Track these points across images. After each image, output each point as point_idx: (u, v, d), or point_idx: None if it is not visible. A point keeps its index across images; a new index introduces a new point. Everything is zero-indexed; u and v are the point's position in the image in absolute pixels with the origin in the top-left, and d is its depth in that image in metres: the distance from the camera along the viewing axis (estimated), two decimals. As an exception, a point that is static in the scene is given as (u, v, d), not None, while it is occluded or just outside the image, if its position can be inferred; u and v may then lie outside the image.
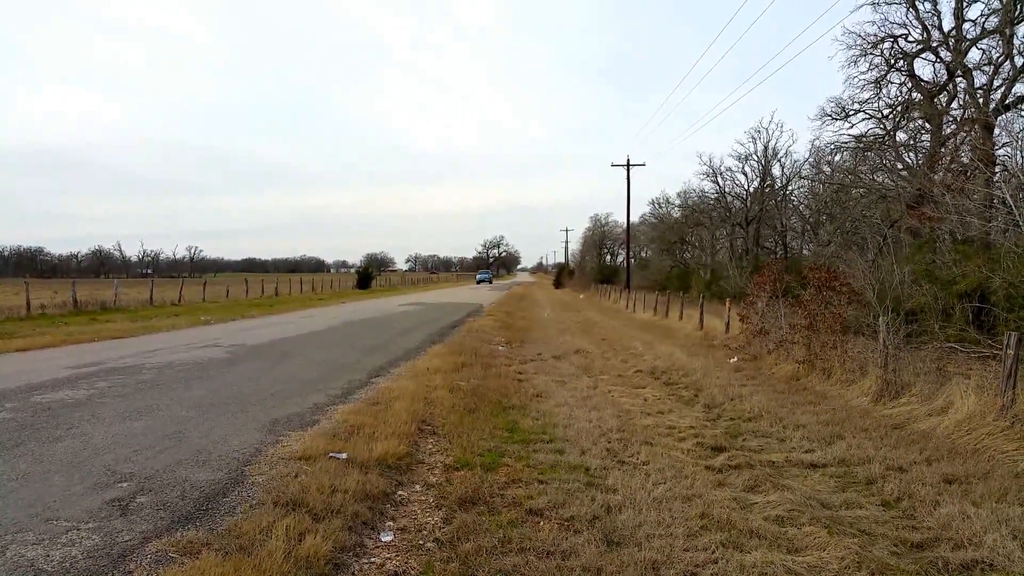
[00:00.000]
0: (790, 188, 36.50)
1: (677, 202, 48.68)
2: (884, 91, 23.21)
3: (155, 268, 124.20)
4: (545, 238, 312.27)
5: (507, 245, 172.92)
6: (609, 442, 6.61)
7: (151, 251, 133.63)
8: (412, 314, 24.97)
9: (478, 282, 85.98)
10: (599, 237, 74.08)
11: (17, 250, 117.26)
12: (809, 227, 32.16)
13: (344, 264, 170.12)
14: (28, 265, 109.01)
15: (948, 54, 21.17)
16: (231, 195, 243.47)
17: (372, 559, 3.91)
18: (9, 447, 5.78)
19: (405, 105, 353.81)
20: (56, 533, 3.85)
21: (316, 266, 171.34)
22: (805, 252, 31.75)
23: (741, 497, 5.12)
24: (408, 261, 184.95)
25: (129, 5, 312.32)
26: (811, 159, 32.08)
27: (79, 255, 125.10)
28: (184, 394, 8.36)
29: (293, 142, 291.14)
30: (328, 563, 3.67)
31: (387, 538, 4.23)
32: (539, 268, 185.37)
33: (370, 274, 66.10)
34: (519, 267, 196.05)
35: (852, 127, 24.58)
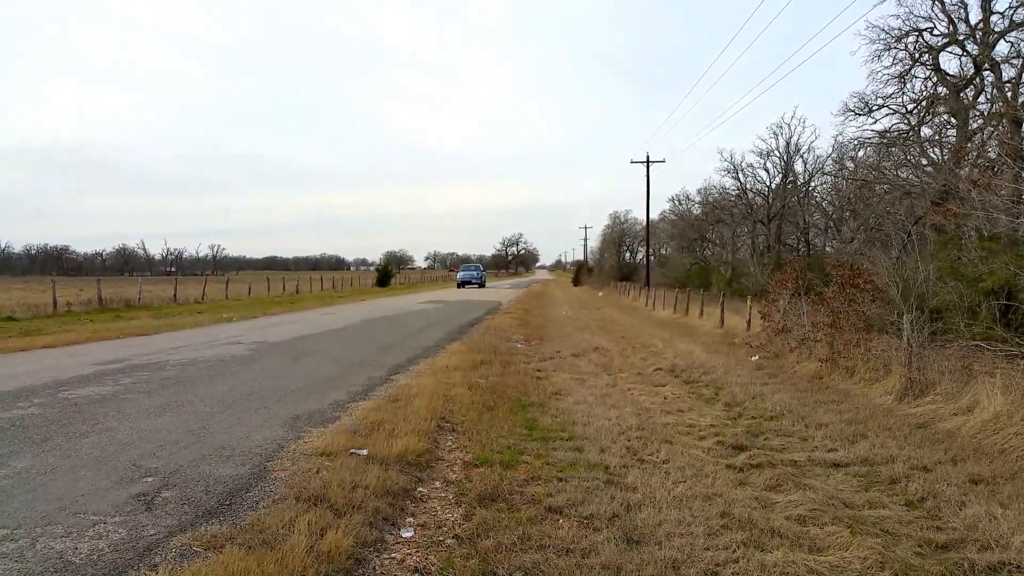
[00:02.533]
0: (812, 184, 36.11)
1: (697, 199, 48.33)
2: (908, 86, 22.89)
3: (178, 266, 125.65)
4: (564, 236, 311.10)
5: (526, 243, 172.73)
6: (629, 440, 6.59)
7: (174, 249, 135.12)
8: (431, 312, 25.04)
9: (461, 284, 55.58)
10: (618, 234, 73.69)
11: (43, 249, 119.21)
12: (832, 224, 31.81)
13: (364, 262, 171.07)
14: (54, 263, 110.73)
15: (975, 47, 20.83)
16: (254, 194, 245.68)
17: (393, 555, 3.93)
18: (38, 442, 5.89)
19: (424, 104, 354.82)
20: (84, 526, 3.92)
21: (336, 264, 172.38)
22: (828, 249, 31.39)
23: (762, 496, 5.09)
24: (427, 259, 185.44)
25: (152, 5, 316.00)
26: (834, 155, 31.73)
27: (103, 253, 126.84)
28: (207, 390, 8.46)
29: (314, 141, 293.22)
30: (349, 558, 3.69)
31: (407, 534, 4.25)
32: (558, 266, 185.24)
33: (389, 272, 66.39)
34: (538, 265, 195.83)
35: (875, 122, 24.30)
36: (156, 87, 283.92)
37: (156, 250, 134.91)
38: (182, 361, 11.07)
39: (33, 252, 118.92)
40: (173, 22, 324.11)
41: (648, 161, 42.79)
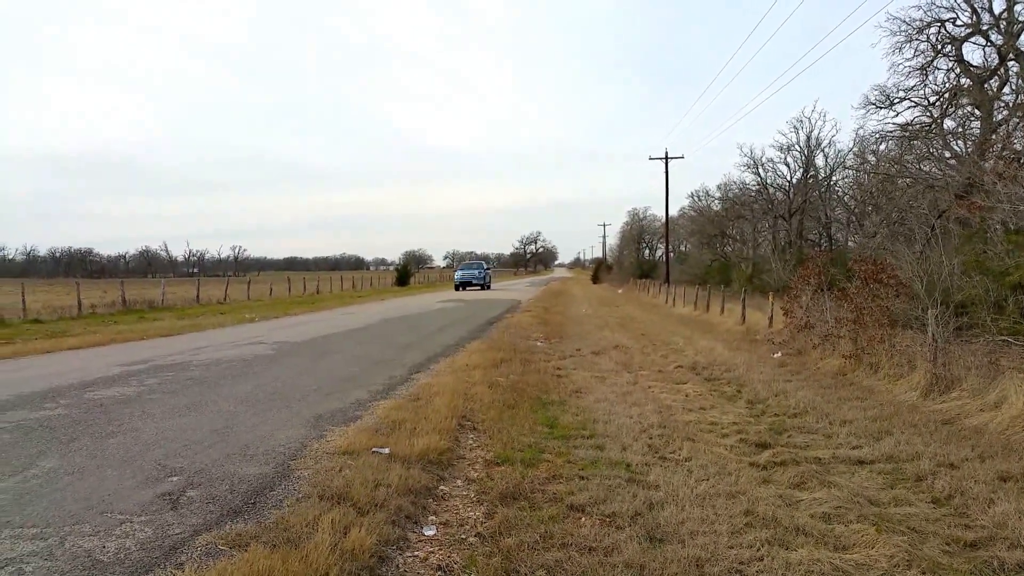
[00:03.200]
0: (834, 179, 35.71)
1: (717, 194, 47.98)
2: (931, 78, 22.56)
3: (201, 267, 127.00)
4: (582, 233, 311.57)
5: (544, 241, 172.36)
6: (650, 438, 6.56)
7: (197, 251, 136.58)
8: (450, 310, 25.09)
9: (459, 285, 46.12)
10: (637, 231, 73.39)
11: (67, 251, 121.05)
12: (854, 218, 31.44)
13: (383, 262, 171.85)
14: (78, 266, 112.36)
15: (999, 37, 20.50)
16: (274, 195, 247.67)
17: (416, 553, 3.94)
18: (65, 442, 5.97)
19: (445, 103, 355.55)
20: (111, 525, 3.97)
21: (355, 264, 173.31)
22: (850, 244, 31.05)
23: (787, 494, 5.04)
24: (446, 258, 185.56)
25: (174, 9, 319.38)
26: (855, 149, 31.33)
27: (127, 255, 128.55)
28: (231, 390, 8.53)
29: (334, 142, 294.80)
30: (373, 556, 3.71)
31: (430, 532, 4.26)
32: (576, 263, 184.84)
33: (408, 271, 66.69)
34: (556, 263, 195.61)
35: (897, 115, 23.97)
36: (183, 91, 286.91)
37: (179, 252, 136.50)
38: (206, 361, 11.18)
39: (58, 255, 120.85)
40: (196, 27, 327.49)
41: (667, 157, 42.58)
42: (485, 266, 50.14)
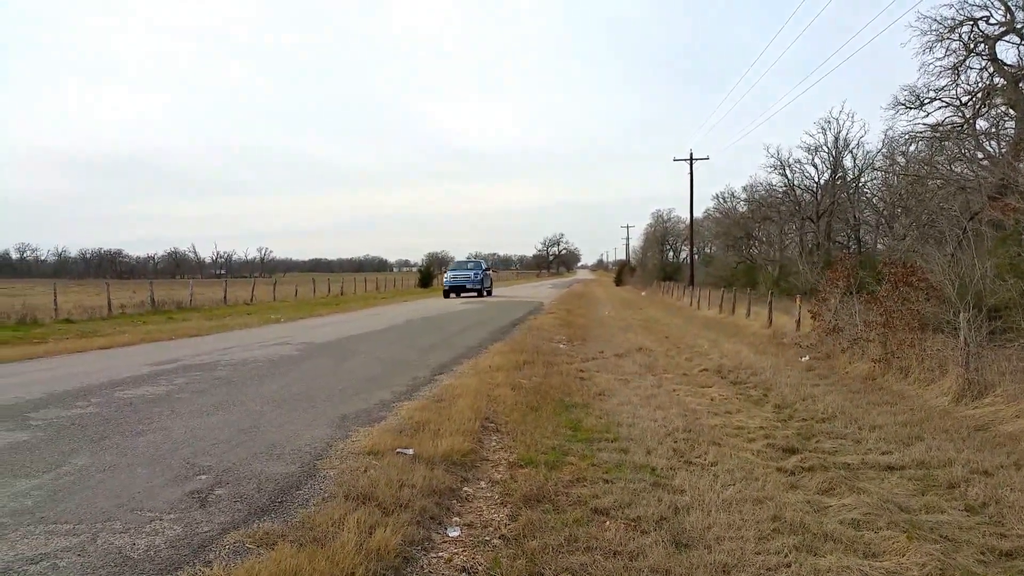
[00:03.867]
0: (863, 180, 35.25)
1: (743, 196, 47.56)
2: (963, 77, 22.19)
3: (228, 268, 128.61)
4: (605, 235, 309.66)
5: (567, 242, 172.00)
6: (675, 442, 6.52)
7: (224, 252, 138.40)
8: (473, 312, 25.14)
9: (449, 291, 37.86)
10: (661, 233, 72.98)
11: (97, 252, 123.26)
12: (883, 220, 31.01)
13: (406, 263, 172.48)
14: (108, 267, 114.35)
15: (1034, 36, 20.10)
16: (299, 196, 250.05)
17: (440, 553, 3.95)
18: (96, 440, 6.07)
19: (466, 104, 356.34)
20: (141, 523, 4.02)
21: (379, 265, 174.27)
22: (879, 246, 30.64)
23: (815, 500, 4.98)
24: (473, 259, 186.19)
25: (202, 12, 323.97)
26: (884, 150, 30.89)
27: (156, 257, 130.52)
28: (257, 390, 8.62)
29: (356, 143, 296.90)
30: (398, 556, 3.72)
31: (454, 533, 4.27)
32: (599, 265, 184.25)
33: (431, 273, 66.90)
34: (579, 264, 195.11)
35: (928, 116, 23.61)
36: (212, 94, 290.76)
37: (206, 253, 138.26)
38: (233, 361, 11.31)
39: (88, 256, 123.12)
40: (227, 29, 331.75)
41: (691, 159, 42.32)
42: (483, 266, 39.95)
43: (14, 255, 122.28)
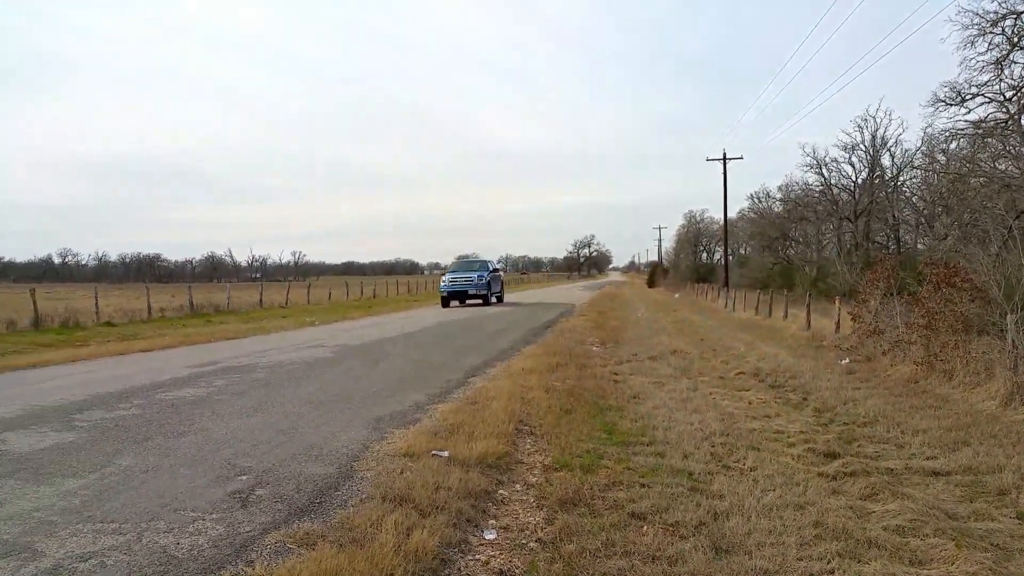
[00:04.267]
0: (901, 179, 34.58)
1: (778, 196, 46.93)
2: (1006, 72, 21.52)
3: (263, 272, 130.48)
4: (637, 237, 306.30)
5: (598, 244, 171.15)
6: (712, 446, 6.44)
7: (259, 256, 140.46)
8: (505, 314, 25.16)
9: (448, 298, 30.22)
10: (694, 234, 72.33)
11: (137, 257, 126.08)
12: (923, 220, 30.37)
13: (437, 266, 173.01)
14: (147, 271, 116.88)
15: (1082, 30, 19.50)
16: (332, 200, 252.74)
17: (477, 556, 3.95)
18: (139, 441, 6.20)
19: (496, 105, 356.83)
20: (184, 522, 4.09)
21: (410, 268, 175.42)
22: (920, 246, 30.03)
23: (857, 505, 4.89)
24: (499, 262, 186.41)
25: (239, 21, 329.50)
26: (924, 148, 30.27)
27: (193, 261, 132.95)
28: (294, 392, 8.73)
29: (388, 147, 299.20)
30: (435, 558, 3.74)
31: (490, 536, 4.27)
32: (631, 267, 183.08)
33: (463, 275, 66.90)
34: (611, 266, 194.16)
35: (969, 112, 22.96)
36: (246, 100, 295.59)
37: (242, 257, 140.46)
38: (270, 364, 11.46)
39: (128, 260, 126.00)
40: (259, 35, 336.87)
41: (725, 158, 41.87)
42: (491, 267, 32.06)
43: (56, 260, 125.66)
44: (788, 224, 44.06)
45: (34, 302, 21.92)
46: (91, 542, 3.81)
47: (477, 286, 29.91)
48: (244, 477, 5.01)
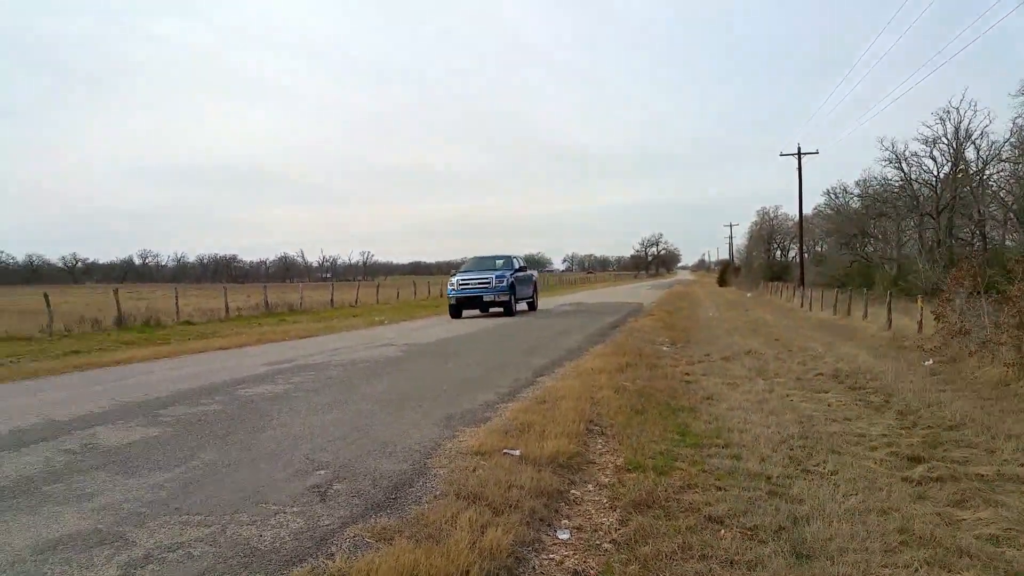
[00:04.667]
0: (988, 173, 32.93)
1: (856, 191, 45.29)
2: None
3: (333, 272, 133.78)
4: (706, 235, 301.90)
5: (666, 242, 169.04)
6: (791, 449, 6.27)
7: (329, 257, 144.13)
8: (571, 313, 25.07)
9: (460, 304, 23.65)
10: (767, 232, 70.53)
11: (214, 258, 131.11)
12: (1012, 215, 28.83)
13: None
14: (223, 271, 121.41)
15: None
16: (399, 201, 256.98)
17: (551, 555, 3.95)
18: (221, 436, 6.43)
19: (561, 105, 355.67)
20: (266, 515, 4.22)
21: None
22: (1008, 243, 28.53)
23: (945, 512, 4.67)
24: (565, 261, 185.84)
25: (306, 28, 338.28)
26: (1012, 139, 28.76)
27: (267, 262, 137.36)
28: (366, 390, 8.90)
29: (458, 147, 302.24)
30: (510, 556, 3.75)
31: (564, 536, 4.25)
32: (701, 266, 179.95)
33: (529, 275, 67.04)
34: (679, 265, 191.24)
35: (1064, 100, 21.75)
36: (315, 104, 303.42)
37: (313, 258, 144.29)
38: (343, 362, 11.73)
39: (205, 261, 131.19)
40: (329, 39, 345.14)
41: (799, 153, 40.69)
42: (516, 265, 25.19)
43: (137, 261, 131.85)
44: (866, 221, 42.51)
45: (117, 302, 23.07)
46: (178, 533, 3.96)
47: (495, 289, 23.16)
48: (322, 472, 5.14)
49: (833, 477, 5.44)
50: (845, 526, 4.35)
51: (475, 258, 26.68)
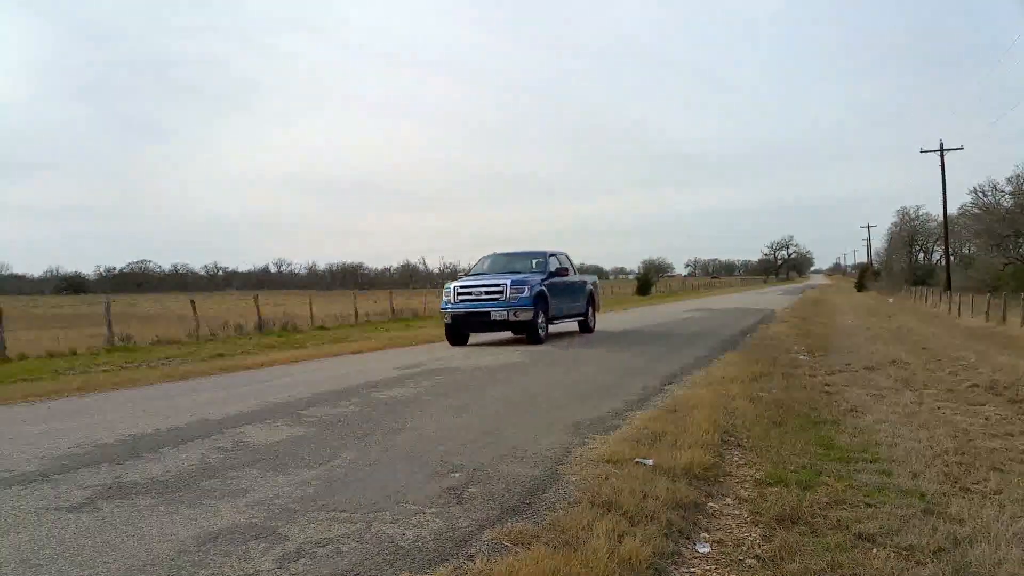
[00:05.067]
0: None
1: (1008, 188, 41.65)
2: None
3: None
4: (841, 237, 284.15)
5: (797, 245, 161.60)
6: (946, 465, 5.81)
7: (449, 264, 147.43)
8: (698, 320, 24.43)
9: (454, 326, 16.16)
10: (908, 233, 65.91)
11: (342, 265, 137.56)
12: None
13: (622, 271, 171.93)
14: (350, 278, 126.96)
15: None
16: (516, 207, 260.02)
17: (691, 569, 3.84)
18: (360, 436, 6.70)
19: (680, 106, 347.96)
20: (406, 515, 4.35)
21: (594, 273, 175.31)
22: None
23: None
24: (687, 266, 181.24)
25: (427, 39, 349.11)
26: None
27: (391, 269, 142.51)
28: (493, 394, 9.04)
29: (566, 151, 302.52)
30: (649, 567, 3.68)
31: (704, 549, 4.13)
32: (836, 269, 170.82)
33: (650, 280, 66.28)
34: (812, 269, 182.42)
35: None
36: (429, 113, 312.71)
37: (434, 264, 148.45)
38: (469, 367, 11.97)
39: (334, 269, 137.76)
40: (452, 56, 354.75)
41: (942, 149, 37.91)
42: (552, 267, 17.56)
43: (272, 269, 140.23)
44: (1021, 220, 38.91)
45: (257, 308, 24.71)
46: (326, 529, 4.15)
47: (509, 304, 15.50)
48: (457, 474, 5.25)
49: (997, 497, 5.00)
50: (1015, 550, 3.98)
51: (495, 255, 18.48)
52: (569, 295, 17.93)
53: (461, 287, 16.27)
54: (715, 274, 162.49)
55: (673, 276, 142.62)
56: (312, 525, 4.22)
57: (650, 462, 5.57)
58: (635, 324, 22.77)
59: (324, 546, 3.88)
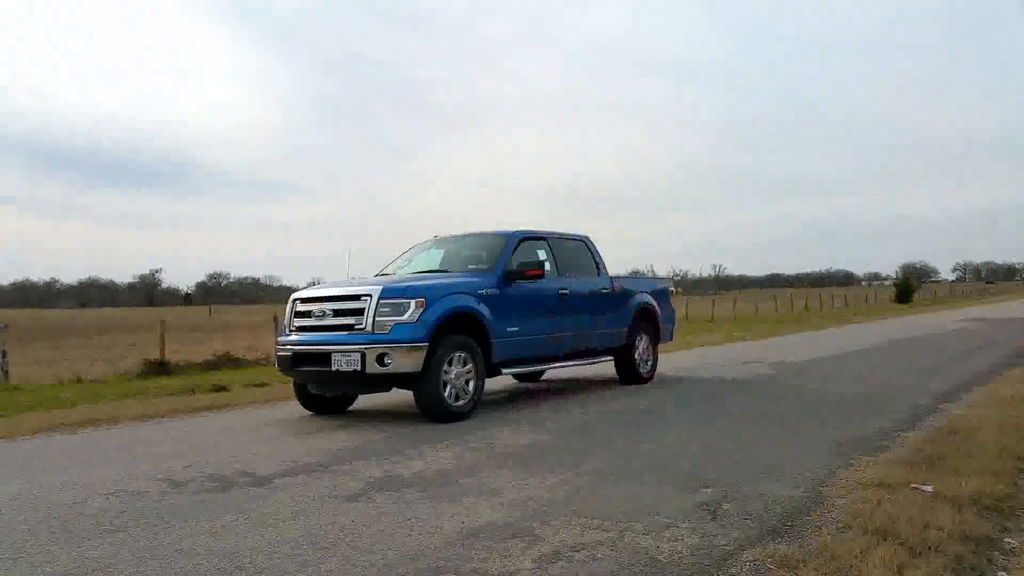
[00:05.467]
0: None
1: None
2: None
3: (683, 286, 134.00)
4: None
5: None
6: None
7: (680, 270, 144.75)
8: (972, 331, 21.54)
9: (295, 362, 7.87)
10: None
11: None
12: None
13: (876, 276, 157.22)
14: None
15: None
16: (752, 210, 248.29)
17: (992, 613, 3.35)
18: (603, 444, 6.78)
19: (938, 91, 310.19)
20: (659, 527, 4.27)
21: (844, 279, 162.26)
22: None
23: None
24: (955, 270, 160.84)
25: (649, 42, 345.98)
26: None
27: (618, 276, 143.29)
28: (737, 406, 8.67)
29: (805, 151, 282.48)
30: (938, 606, 3.27)
31: (1004, 592, 3.59)
32: None
33: (910, 287, 60.00)
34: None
35: None
36: (662, 116, 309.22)
37: (662, 270, 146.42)
38: (711, 378, 11.60)
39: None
40: (676, 53, 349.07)
41: None
42: (517, 263, 8.90)
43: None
44: None
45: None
46: (579, 534, 4.19)
47: (374, 338, 7.54)
48: (708, 489, 5.06)
49: None
50: None
51: (436, 240, 10.45)
52: (566, 313, 9.80)
53: (303, 302, 8.49)
54: (990, 279, 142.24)
55: (937, 281, 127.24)
56: (565, 529, 4.22)
57: (929, 489, 4.98)
58: (897, 335, 20.64)
59: (579, 551, 3.85)
